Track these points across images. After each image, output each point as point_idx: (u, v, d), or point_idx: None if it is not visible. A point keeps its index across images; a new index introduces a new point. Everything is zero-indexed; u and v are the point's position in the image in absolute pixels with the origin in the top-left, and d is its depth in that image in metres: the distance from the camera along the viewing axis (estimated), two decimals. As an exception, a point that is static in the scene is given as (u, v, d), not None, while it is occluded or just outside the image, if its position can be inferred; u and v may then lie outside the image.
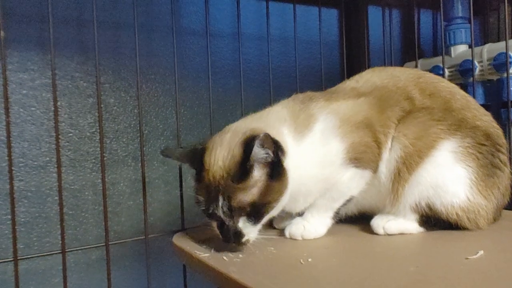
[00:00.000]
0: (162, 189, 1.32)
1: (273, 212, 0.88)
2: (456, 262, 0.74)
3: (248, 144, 0.82)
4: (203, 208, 0.85)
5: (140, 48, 1.10)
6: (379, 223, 0.93)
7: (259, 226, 0.86)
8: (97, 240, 1.18)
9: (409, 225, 0.92)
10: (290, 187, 0.87)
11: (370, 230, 0.94)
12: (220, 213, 0.83)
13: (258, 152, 0.81)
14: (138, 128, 1.15)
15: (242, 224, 0.83)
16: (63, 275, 0.99)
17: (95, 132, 1.22)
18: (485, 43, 1.34)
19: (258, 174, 0.83)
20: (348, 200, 0.96)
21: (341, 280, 0.70)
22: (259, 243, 0.91)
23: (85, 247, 1.13)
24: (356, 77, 1.05)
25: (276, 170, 0.84)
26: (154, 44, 1.33)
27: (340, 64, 1.59)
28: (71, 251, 1.09)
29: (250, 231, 0.84)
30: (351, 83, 1.03)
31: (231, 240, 0.83)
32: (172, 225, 1.23)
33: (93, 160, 1.23)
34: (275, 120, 0.93)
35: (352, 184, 0.93)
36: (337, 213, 0.96)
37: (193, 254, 0.86)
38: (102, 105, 1.21)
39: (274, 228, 1.04)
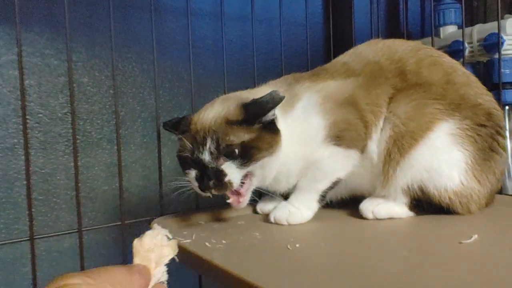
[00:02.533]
0: (139, 173, 1.26)
1: (261, 172, 0.86)
2: (450, 246, 0.71)
3: (257, 102, 0.84)
4: (187, 155, 0.84)
5: (115, 25, 1.04)
6: (368, 207, 0.90)
7: (244, 171, 0.83)
8: (70, 227, 1.11)
9: (399, 209, 0.89)
10: (280, 153, 0.86)
11: (359, 215, 0.90)
12: (205, 155, 0.81)
13: (271, 111, 0.84)
14: (114, 109, 1.08)
15: (226, 166, 0.81)
16: (31, 263, 0.93)
17: (67, 113, 1.15)
18: (471, 24, 1.31)
19: (256, 126, 0.84)
20: (335, 183, 0.92)
21: (332, 266, 0.66)
22: (243, 228, 0.88)
23: (56, 233, 1.06)
24: (351, 50, 1.01)
25: (271, 126, 0.85)
26: (131, 21, 1.25)
27: (324, 46, 1.55)
28: (41, 237, 1.02)
29: (234, 173, 0.82)
30: (344, 58, 1.00)
31: (211, 182, 0.81)
32: (150, 211, 1.17)
33: (66, 143, 1.15)
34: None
35: (334, 163, 0.90)
36: (323, 196, 0.92)
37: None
38: (75, 85, 1.14)
39: (258, 213, 0.99)
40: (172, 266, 1.08)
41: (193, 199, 1.10)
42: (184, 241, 0.80)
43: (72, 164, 1.08)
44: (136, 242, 0.54)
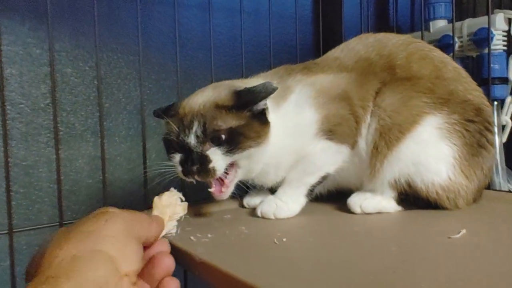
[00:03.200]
0: (124, 167, 1.24)
1: (247, 163, 0.84)
2: (438, 241, 0.71)
3: (250, 91, 0.82)
4: (173, 138, 0.82)
5: (100, 15, 1.01)
6: (356, 201, 0.89)
7: (229, 159, 0.81)
8: (52, 221, 1.09)
9: (387, 203, 0.88)
10: (269, 145, 0.85)
11: (346, 209, 0.89)
12: (190, 139, 0.80)
13: (263, 101, 0.82)
14: (98, 101, 1.06)
15: (212, 152, 0.80)
16: (10, 257, 0.90)
17: (50, 104, 1.12)
18: (461, 19, 1.31)
19: (246, 114, 0.82)
20: (324, 178, 0.91)
21: (318, 261, 0.64)
22: (229, 222, 0.86)
23: (36, 226, 1.03)
24: (342, 45, 1.00)
25: (261, 116, 0.84)
26: (117, 11, 1.22)
27: (314, 39, 1.54)
28: (21, 231, 0.99)
29: (219, 160, 0.80)
30: (335, 52, 0.99)
31: (195, 167, 0.79)
32: (134, 205, 1.14)
33: (48, 134, 1.12)
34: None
35: (325, 158, 0.89)
36: (311, 190, 0.91)
37: (157, 234, 0.79)
38: (58, 75, 1.12)
39: (245, 207, 0.98)
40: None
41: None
42: (168, 235, 0.78)
43: (55, 156, 1.06)
44: (156, 198, 0.73)
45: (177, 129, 0.82)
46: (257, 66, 1.03)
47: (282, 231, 0.78)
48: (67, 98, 1.15)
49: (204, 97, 0.84)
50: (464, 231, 0.72)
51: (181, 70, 1.15)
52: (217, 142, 0.80)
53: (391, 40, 0.96)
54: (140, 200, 1.09)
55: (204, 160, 0.79)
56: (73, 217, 1.14)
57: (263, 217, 0.88)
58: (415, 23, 1.66)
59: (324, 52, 1.03)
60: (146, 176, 1.08)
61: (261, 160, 0.86)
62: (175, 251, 0.72)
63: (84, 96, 1.18)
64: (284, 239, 0.73)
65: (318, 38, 1.42)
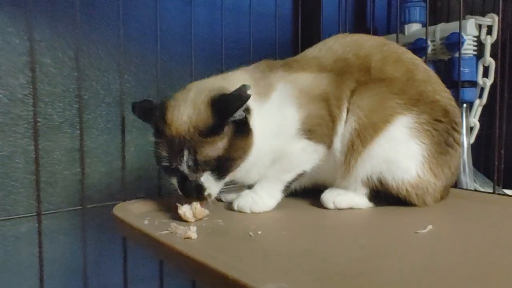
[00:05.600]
0: (102, 160, 1.23)
1: (237, 171, 0.86)
2: (406, 236, 0.74)
3: (225, 100, 0.81)
4: (166, 163, 0.83)
5: (81, 5, 1.00)
6: (329, 197, 0.92)
7: (222, 183, 0.85)
8: (28, 211, 1.08)
9: (359, 199, 0.92)
10: (254, 149, 0.85)
11: (320, 204, 0.92)
12: (184, 167, 0.81)
13: (239, 111, 0.81)
14: (77, 92, 1.05)
15: (205, 178, 0.82)
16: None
17: (28, 95, 1.11)
18: (435, 23, 1.35)
19: (227, 130, 0.82)
20: (300, 175, 0.94)
21: (291, 253, 0.67)
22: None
23: (14, 216, 1.03)
24: (320, 44, 1.02)
25: (243, 128, 0.83)
26: (97, 2, 1.22)
27: (292, 37, 1.56)
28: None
29: (213, 186, 0.83)
30: (313, 51, 1.01)
31: (193, 194, 0.82)
32: (112, 197, 1.15)
33: (25, 125, 1.11)
34: (239, 82, 0.89)
35: (303, 156, 0.91)
36: (288, 187, 0.94)
37: (135, 225, 0.81)
38: (36, 65, 1.11)
39: (222, 201, 1.00)
40: (133, 252, 1.06)
41: (156, 185, 1.09)
42: (146, 227, 0.79)
43: (32, 147, 1.05)
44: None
45: (167, 155, 0.82)
46: (237, 61, 1.04)
47: (258, 225, 0.80)
48: (45, 89, 1.14)
49: (187, 116, 0.82)
50: (430, 226, 0.76)
51: (161, 63, 1.15)
52: (209, 169, 0.82)
53: (367, 42, 0.98)
54: (117, 192, 1.09)
55: (200, 188, 0.82)
56: (50, 208, 1.13)
57: (239, 211, 0.91)
58: (391, 26, 1.70)
59: (303, 49, 1.05)
60: (125, 169, 1.08)
61: (246, 166, 0.87)
62: (153, 243, 0.74)
63: (63, 87, 1.17)
64: (259, 232, 0.75)
65: (297, 36, 1.44)
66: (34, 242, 1.01)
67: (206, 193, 0.83)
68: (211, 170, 0.82)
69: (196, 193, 0.83)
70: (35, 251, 0.98)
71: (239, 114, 0.82)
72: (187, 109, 0.82)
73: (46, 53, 1.15)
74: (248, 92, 0.81)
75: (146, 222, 0.82)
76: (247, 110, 0.84)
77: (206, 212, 0.85)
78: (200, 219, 0.84)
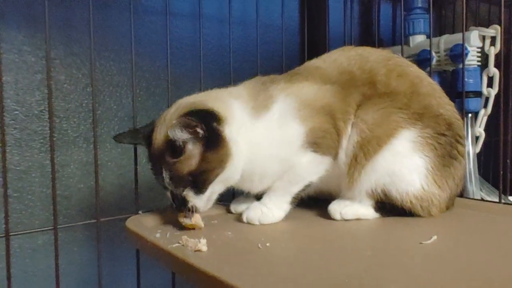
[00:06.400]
0: (115, 172, 1.27)
1: (226, 182, 0.90)
2: (411, 246, 0.76)
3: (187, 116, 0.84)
4: (156, 180, 0.89)
5: (94, 23, 1.04)
6: (336, 208, 0.94)
7: (207, 195, 0.89)
8: (44, 225, 1.12)
9: (365, 210, 0.93)
10: (238, 156, 0.88)
11: (327, 216, 0.94)
12: (166, 184, 0.87)
13: (180, 135, 0.84)
14: (91, 107, 1.09)
15: (186, 192, 0.87)
16: (6, 261, 0.93)
17: (44, 111, 1.15)
18: (441, 34, 1.37)
19: (193, 147, 0.86)
20: (307, 186, 0.95)
21: (299, 265, 0.69)
22: (216, 227, 0.90)
23: (32, 230, 1.07)
24: (324, 56, 1.04)
25: (212, 141, 0.85)
26: (110, 20, 1.26)
27: (299, 50, 1.58)
28: (16, 234, 1.02)
29: (195, 199, 0.88)
30: (317, 62, 1.02)
31: (180, 207, 0.88)
32: (125, 210, 1.18)
33: (41, 140, 1.16)
34: (227, 95, 0.93)
35: (310, 169, 0.93)
36: (295, 198, 0.95)
37: (147, 238, 0.83)
38: (52, 82, 1.14)
39: (232, 212, 1.02)
40: (147, 263, 1.08)
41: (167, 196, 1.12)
42: (158, 240, 0.82)
43: (48, 162, 1.09)
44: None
45: (154, 173, 0.89)
46: (245, 74, 1.06)
47: (266, 236, 0.82)
48: (60, 105, 1.19)
49: (161, 135, 0.88)
50: (435, 237, 0.77)
51: (171, 77, 1.18)
52: (186, 185, 0.86)
53: (372, 55, 1.00)
54: (131, 204, 1.12)
55: (184, 201, 0.88)
56: (65, 221, 1.17)
57: (248, 223, 0.93)
58: (396, 37, 1.72)
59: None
60: (137, 181, 1.11)
61: (236, 172, 0.90)
62: (164, 255, 0.76)
63: (77, 103, 1.21)
64: (268, 244, 0.77)
65: (304, 48, 1.46)
66: (50, 254, 1.03)
67: (190, 205, 0.87)
68: (190, 185, 0.86)
69: (182, 205, 0.88)
70: (52, 263, 1.01)
71: (184, 137, 0.84)
72: (163, 129, 0.88)
73: (61, 70, 1.19)
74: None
75: (157, 235, 0.85)
76: (218, 121, 0.87)
77: (199, 221, 0.88)
78: (197, 226, 0.88)
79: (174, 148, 0.85)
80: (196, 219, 0.87)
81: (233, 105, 0.91)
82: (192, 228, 0.87)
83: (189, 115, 0.83)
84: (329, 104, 0.93)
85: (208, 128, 0.85)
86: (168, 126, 0.85)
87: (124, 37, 1.26)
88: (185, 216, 0.88)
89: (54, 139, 1.16)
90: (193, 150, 0.85)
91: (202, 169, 0.85)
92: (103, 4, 1.24)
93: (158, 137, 0.88)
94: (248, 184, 0.95)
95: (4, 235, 0.93)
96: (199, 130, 0.84)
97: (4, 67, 1.10)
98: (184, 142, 0.85)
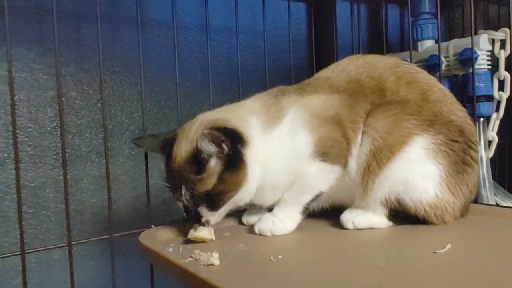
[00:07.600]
0: (127, 186, 1.28)
1: (238, 202, 0.92)
2: (424, 256, 0.75)
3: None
4: (172, 192, 0.91)
5: (103, 40, 1.06)
6: (348, 217, 0.93)
7: (219, 212, 0.91)
8: (59, 239, 1.13)
9: (378, 219, 0.93)
10: (253, 180, 0.90)
11: (339, 225, 0.94)
12: (183, 199, 0.89)
13: (206, 147, 0.85)
14: (102, 122, 1.10)
15: (201, 208, 0.90)
16: (22, 278, 0.94)
17: (56, 127, 1.17)
18: (450, 38, 1.36)
19: (214, 165, 0.87)
20: (318, 196, 0.95)
21: (312, 277, 0.69)
22: (229, 240, 0.90)
23: (46, 247, 1.08)
24: (333, 65, 1.04)
25: (233, 162, 0.87)
26: (118, 35, 1.28)
27: (308, 58, 1.59)
28: (31, 251, 1.04)
29: (209, 216, 0.90)
30: (327, 72, 1.03)
31: (193, 220, 0.91)
32: (138, 223, 1.19)
33: (54, 156, 1.17)
34: (245, 111, 0.93)
35: (320, 178, 0.93)
36: (306, 208, 0.95)
37: (160, 253, 0.84)
38: (63, 99, 1.16)
39: (244, 224, 1.02)
40: (160, 278, 1.08)
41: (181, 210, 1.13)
42: (171, 254, 0.82)
43: (61, 177, 1.10)
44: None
45: (171, 186, 0.91)
46: (254, 84, 1.08)
47: (278, 248, 0.82)
48: (72, 120, 1.20)
49: (183, 151, 0.89)
50: (449, 245, 0.77)
51: (180, 90, 1.19)
52: (203, 201, 0.89)
53: (380, 63, 0.99)
54: (143, 217, 1.13)
55: (198, 216, 0.90)
56: (79, 235, 1.18)
57: (260, 234, 0.93)
58: (405, 43, 1.72)
59: (318, 70, 1.07)
60: (149, 194, 1.12)
61: (249, 195, 0.92)
62: (177, 270, 0.76)
63: (89, 118, 1.23)
64: (280, 256, 0.77)
65: (312, 56, 1.47)
66: (66, 268, 1.05)
67: (203, 220, 0.90)
68: (205, 203, 0.89)
69: (195, 219, 0.90)
70: (67, 277, 1.02)
71: (211, 150, 0.85)
72: (186, 144, 0.89)
73: (72, 86, 1.21)
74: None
75: (170, 249, 0.85)
76: (242, 143, 0.88)
77: (207, 235, 0.89)
78: (207, 240, 0.89)
79: (197, 163, 0.86)
80: (206, 233, 0.88)
81: (251, 123, 0.92)
82: (202, 241, 0.88)
83: (217, 130, 0.84)
84: (338, 113, 0.93)
85: (233, 148, 0.86)
86: (196, 137, 0.86)
87: (133, 52, 1.28)
88: (195, 229, 0.89)
89: (67, 154, 1.17)
90: (215, 168, 0.87)
91: (218, 189, 0.87)
92: (111, 20, 1.26)
93: (180, 153, 0.89)
94: (259, 198, 0.95)
95: (20, 252, 0.94)
96: (224, 146, 0.85)
97: (16, 85, 1.12)
98: (209, 156, 0.86)
